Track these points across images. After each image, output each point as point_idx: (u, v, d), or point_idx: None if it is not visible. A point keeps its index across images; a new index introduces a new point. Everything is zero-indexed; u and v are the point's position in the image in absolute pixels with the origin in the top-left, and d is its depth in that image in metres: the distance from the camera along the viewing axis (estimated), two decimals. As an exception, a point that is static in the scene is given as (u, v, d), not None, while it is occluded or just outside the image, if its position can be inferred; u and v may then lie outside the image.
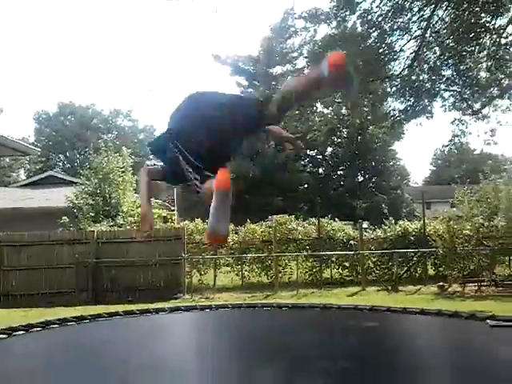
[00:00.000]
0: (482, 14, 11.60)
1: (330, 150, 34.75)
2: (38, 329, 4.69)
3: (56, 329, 4.79)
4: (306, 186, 32.31)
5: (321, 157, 35.01)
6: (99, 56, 76.08)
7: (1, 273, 12.00)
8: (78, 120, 44.35)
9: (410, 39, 12.81)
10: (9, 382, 2.82)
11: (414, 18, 12.41)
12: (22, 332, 4.59)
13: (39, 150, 29.33)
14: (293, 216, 14.62)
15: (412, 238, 13.40)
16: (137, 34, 77.41)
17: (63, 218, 14.60)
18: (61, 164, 44.54)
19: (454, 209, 15.57)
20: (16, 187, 22.87)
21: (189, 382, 2.62)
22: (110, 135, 45.14)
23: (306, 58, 15.13)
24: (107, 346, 3.82)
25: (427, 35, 12.54)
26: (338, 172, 34.65)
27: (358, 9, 12.33)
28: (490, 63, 12.43)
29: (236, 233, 13.27)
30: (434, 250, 12.52)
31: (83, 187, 16.44)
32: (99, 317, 5.43)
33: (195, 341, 3.88)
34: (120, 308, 6.76)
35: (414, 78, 13.20)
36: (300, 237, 13.57)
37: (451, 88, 13.62)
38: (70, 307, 9.80)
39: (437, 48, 12.84)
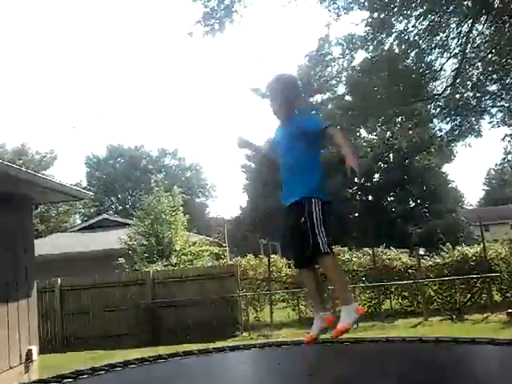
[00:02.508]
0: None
1: (376, 176, 34.24)
2: (102, 372, 4.73)
3: (119, 371, 4.80)
4: (356, 214, 31.82)
5: (369, 184, 34.51)
6: (144, 97, 78.88)
7: (63, 317, 12.29)
8: (127, 162, 45.74)
9: (450, 57, 12.56)
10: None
11: (453, 35, 12.18)
12: (86, 376, 4.62)
13: (92, 193, 30.34)
14: (345, 247, 14.34)
15: (472, 264, 12.79)
16: (177, 73, 79.93)
17: (119, 259, 14.90)
18: (113, 206, 45.84)
19: (515, 230, 14.87)
20: (73, 232, 23.62)
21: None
22: (159, 175, 46.26)
23: (344, 84, 15.09)
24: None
25: (467, 51, 12.25)
26: (389, 199, 33.98)
27: (393, 30, 12.25)
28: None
29: (289, 267, 13.10)
30: (497, 274, 11.91)
31: (136, 228, 16.78)
32: (160, 358, 5.41)
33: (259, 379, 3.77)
34: (179, 348, 6.74)
35: (457, 96, 12.89)
36: (355, 267, 13.25)
37: (498, 103, 13.20)
38: (130, 349, 9.85)
39: (479, 63, 12.51)
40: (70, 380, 4.57)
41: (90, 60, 73.05)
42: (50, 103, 74.75)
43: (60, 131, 76.71)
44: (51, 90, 75.44)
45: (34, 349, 7.21)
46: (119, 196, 46.53)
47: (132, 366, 5.11)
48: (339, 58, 14.04)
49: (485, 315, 11.18)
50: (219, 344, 7.87)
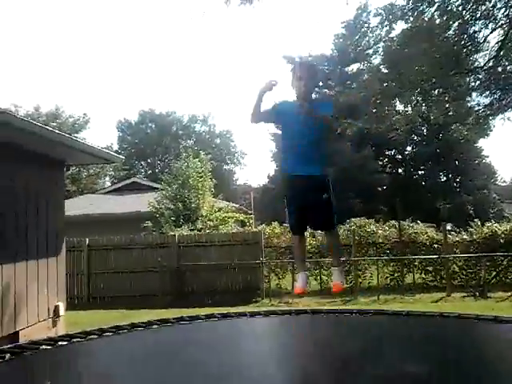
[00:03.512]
0: None
1: (409, 149, 33.61)
2: (125, 330, 4.89)
3: (142, 331, 4.96)
4: (385, 187, 31.45)
5: (400, 156, 33.95)
6: (176, 62, 78.62)
7: (90, 275, 12.69)
8: (159, 127, 46.00)
9: (495, 28, 12.06)
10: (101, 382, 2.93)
11: (499, 5, 11.66)
12: (110, 333, 4.79)
13: (123, 157, 30.75)
14: (372, 219, 14.25)
15: (501, 241, 12.60)
16: (211, 39, 79.19)
17: (146, 222, 15.17)
18: (143, 170, 46.38)
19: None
20: (103, 194, 24.07)
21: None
22: (188, 141, 46.44)
23: (382, 55, 14.67)
24: (189, 347, 3.88)
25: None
26: (419, 172, 33.40)
27: (435, 0, 11.81)
28: None
29: (313, 236, 13.09)
30: (526, 253, 11.71)
31: (164, 192, 17.01)
32: (181, 320, 5.55)
33: (276, 345, 3.84)
34: (201, 311, 6.90)
35: (500, 69, 12.44)
36: (380, 240, 13.20)
37: (543, 78, 12.70)
38: (154, 309, 10.12)
39: (526, 34, 11.98)
40: (95, 336, 4.74)
41: (122, 23, 72.91)
42: (84, 68, 75.27)
43: (94, 95, 77.36)
44: (85, 55, 75.88)
45: (61, 305, 7.50)
46: (149, 160, 47.00)
47: (154, 326, 5.26)
48: (377, 28, 13.64)
49: (509, 293, 11.06)
50: (240, 309, 8.04)
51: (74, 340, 4.61)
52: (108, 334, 4.82)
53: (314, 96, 3.18)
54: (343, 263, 2.99)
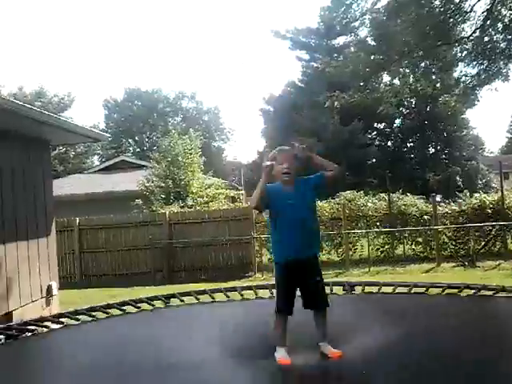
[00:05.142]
0: None
1: (398, 121, 33.60)
2: (116, 308, 4.90)
3: (133, 308, 4.97)
4: (374, 160, 31.52)
5: (389, 129, 33.95)
6: (161, 39, 77.46)
7: (81, 255, 12.68)
8: (145, 105, 45.50)
9: (482, -3, 11.97)
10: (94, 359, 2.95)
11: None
12: (102, 311, 4.80)
13: (109, 135, 30.50)
14: (362, 192, 14.30)
15: (489, 211, 12.72)
16: (196, 13, 78.01)
17: (136, 200, 15.11)
18: (131, 148, 46.03)
19: (536, 178, 14.59)
20: (91, 173, 23.90)
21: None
22: (176, 118, 46.05)
23: (368, 27, 14.52)
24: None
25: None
26: (408, 144, 33.49)
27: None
28: None
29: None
30: (514, 222, 11.84)
31: (153, 170, 16.91)
32: (173, 297, 5.57)
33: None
34: (193, 287, 6.93)
35: (486, 39, 12.38)
36: (370, 213, 13.27)
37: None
38: (146, 286, 10.16)
39: (513, 3, 11.90)
40: (87, 314, 4.75)
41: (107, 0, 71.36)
42: (69, 46, 73.94)
43: (78, 74, 76.18)
44: (69, 33, 74.43)
45: (54, 284, 7.50)
46: (137, 138, 46.59)
47: (145, 303, 5.27)
48: (363, 0, 13.47)
49: (497, 262, 11.22)
50: (232, 284, 8.09)
51: (66, 319, 4.61)
52: (100, 311, 4.83)
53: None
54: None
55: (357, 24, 17.53)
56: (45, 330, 4.15)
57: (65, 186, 18.33)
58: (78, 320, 4.55)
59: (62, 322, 4.55)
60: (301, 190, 3.07)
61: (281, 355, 2.88)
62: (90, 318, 4.61)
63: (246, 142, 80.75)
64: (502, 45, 12.38)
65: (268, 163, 3.04)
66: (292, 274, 3.01)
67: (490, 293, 4.90)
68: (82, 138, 8.31)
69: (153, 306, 4.79)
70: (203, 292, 5.75)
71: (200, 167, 17.38)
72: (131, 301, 5.29)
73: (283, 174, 3.06)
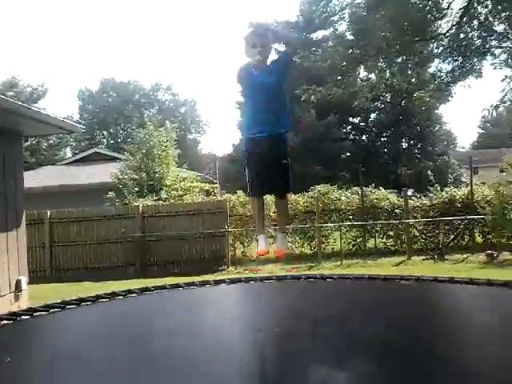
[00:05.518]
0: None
1: (373, 116, 33.94)
2: (89, 303, 4.88)
3: (106, 302, 4.96)
4: (348, 154, 31.80)
5: (364, 124, 34.28)
6: (137, 30, 76.44)
7: (52, 248, 12.50)
8: (120, 96, 44.93)
9: (459, -6, 12.16)
10: (63, 354, 2.94)
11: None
12: (73, 306, 4.77)
13: (83, 127, 30.03)
14: (335, 185, 14.43)
15: (459, 205, 13.00)
16: (172, 5, 77.16)
17: (109, 193, 14.95)
18: (105, 140, 45.43)
19: (504, 173, 14.95)
20: (63, 165, 23.52)
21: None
22: (151, 110, 45.60)
23: (347, 22, 14.62)
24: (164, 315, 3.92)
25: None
26: (382, 139, 33.89)
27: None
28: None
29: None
30: (482, 217, 12.13)
31: (127, 162, 16.74)
32: (146, 290, 5.57)
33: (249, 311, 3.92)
34: (166, 281, 6.93)
35: (462, 36, 12.59)
36: (343, 207, 13.41)
37: (503, 44, 12.92)
38: (118, 280, 10.09)
39: (488, 1, 12.10)
40: (58, 309, 4.72)
41: (79, -14, 69.97)
42: (42, 36, 72.34)
43: (52, 64, 74.63)
44: (45, 22, 72.79)
45: (23, 279, 7.38)
46: (111, 130, 46.01)
47: (119, 297, 5.26)
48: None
49: (465, 256, 11.50)
50: (205, 278, 8.11)
51: (37, 314, 4.58)
52: (71, 306, 4.80)
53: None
54: (288, 229, 3.13)
55: (336, 18, 17.63)
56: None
57: (36, 178, 18.01)
58: (48, 312, 4.52)
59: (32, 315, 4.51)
60: (271, 69, 3.15)
61: (260, 247, 3.07)
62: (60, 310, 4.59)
63: (221, 134, 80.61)
64: (476, 42, 12.61)
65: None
66: (259, 152, 3.05)
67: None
68: (54, 129, 8.18)
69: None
70: (177, 285, 5.78)
71: (175, 160, 17.26)
72: (105, 294, 5.28)
73: (257, 56, 3.12)
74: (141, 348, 2.99)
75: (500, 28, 12.61)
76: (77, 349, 3.17)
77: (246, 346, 2.79)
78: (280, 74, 3.16)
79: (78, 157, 24.57)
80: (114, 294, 5.32)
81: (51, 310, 4.64)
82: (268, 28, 3.24)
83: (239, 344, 2.85)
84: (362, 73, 17.59)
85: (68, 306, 4.77)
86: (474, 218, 12.32)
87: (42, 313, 4.57)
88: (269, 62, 3.21)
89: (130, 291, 5.42)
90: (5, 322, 4.23)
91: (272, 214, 9.91)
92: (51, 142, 38.70)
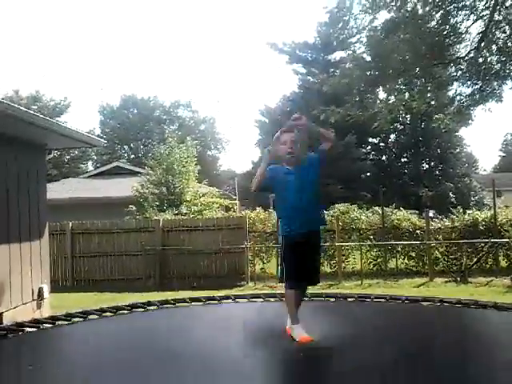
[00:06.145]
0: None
1: (392, 136, 33.82)
2: (110, 314, 4.88)
3: (126, 314, 4.96)
4: (368, 174, 31.65)
5: (383, 144, 34.15)
6: (158, 48, 77.74)
7: (73, 259, 12.59)
8: (141, 112, 45.53)
9: (477, 19, 12.14)
10: (84, 363, 2.93)
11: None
12: (95, 316, 4.78)
13: (105, 141, 30.43)
14: (355, 205, 14.33)
15: (482, 228, 12.78)
16: (194, 24, 78.44)
17: (130, 206, 15.06)
18: (126, 155, 45.94)
19: (528, 197, 14.69)
20: (85, 178, 23.82)
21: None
22: (172, 126, 46.08)
23: (365, 44, 14.64)
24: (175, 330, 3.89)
25: (495, 13, 11.82)
26: (402, 160, 33.69)
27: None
28: None
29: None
30: (506, 240, 11.90)
31: (148, 177, 16.89)
32: (166, 303, 5.57)
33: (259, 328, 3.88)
34: (186, 294, 6.91)
35: (481, 60, 12.54)
36: (364, 226, 13.30)
37: (523, 68, 12.83)
38: (137, 293, 10.09)
39: (507, 27, 12.08)
40: (80, 318, 4.73)
41: (107, 4, 71.65)
42: (66, 51, 74.02)
43: (75, 79, 76.26)
44: (67, 37, 74.55)
45: (46, 287, 7.45)
46: (132, 145, 46.55)
47: (139, 309, 5.26)
48: (360, 17, 13.58)
49: (489, 279, 11.27)
50: (224, 292, 8.06)
51: (59, 322, 4.59)
52: (93, 315, 4.81)
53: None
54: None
55: (354, 40, 17.69)
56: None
57: (59, 190, 18.26)
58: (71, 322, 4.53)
59: (55, 323, 4.53)
60: (305, 168, 3.27)
61: (300, 333, 3.03)
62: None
63: (240, 151, 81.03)
64: (496, 66, 12.54)
65: (269, 148, 3.21)
66: (297, 247, 3.16)
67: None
68: (77, 142, 8.30)
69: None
70: (197, 299, 5.76)
71: (195, 175, 17.38)
72: (124, 305, 5.29)
73: (288, 154, 3.24)
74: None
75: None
76: (95, 357, 3.16)
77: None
78: (315, 170, 3.30)
79: (99, 170, 24.89)
80: (133, 306, 5.34)
81: (73, 319, 4.68)
82: (294, 125, 3.31)
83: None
84: (381, 95, 17.56)
85: (89, 316, 4.80)
86: (497, 241, 12.10)
87: (64, 322, 4.60)
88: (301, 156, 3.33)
89: (149, 303, 5.43)
90: (28, 329, 4.26)
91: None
92: (73, 155, 39.29)
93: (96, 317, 4.71)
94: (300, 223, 3.18)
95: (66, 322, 4.48)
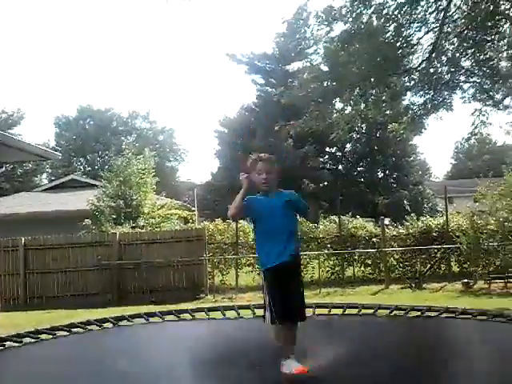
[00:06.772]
0: (501, 1, 11.35)
1: (348, 146, 34.45)
2: (65, 333, 4.76)
3: (80, 332, 4.84)
4: (326, 183, 32.09)
5: (340, 153, 34.74)
6: (114, 58, 76.78)
7: (26, 276, 12.19)
8: (97, 123, 44.78)
9: (428, 31, 12.60)
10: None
11: (431, 9, 12.22)
12: (46, 334, 4.64)
13: (60, 154, 29.72)
14: (312, 214, 14.47)
15: (435, 234, 13.17)
16: (151, 35, 77.94)
17: (85, 220, 14.74)
18: (82, 168, 45.00)
19: (477, 203, 15.24)
20: (39, 191, 23.18)
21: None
22: (129, 137, 45.49)
23: (322, 55, 14.93)
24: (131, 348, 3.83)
25: (445, 26, 12.32)
26: (358, 168, 34.36)
27: (372, 3, 12.19)
28: (510, 52, 12.16)
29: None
30: (457, 246, 12.29)
31: (104, 190, 16.58)
32: (123, 319, 5.47)
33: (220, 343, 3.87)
34: (143, 309, 6.81)
35: (432, 70, 13.01)
36: (321, 235, 13.46)
37: (471, 79, 13.38)
38: (93, 309, 9.87)
39: (455, 39, 12.61)
40: (31, 338, 4.59)
41: (60, 14, 70.29)
42: (19, 60, 72.09)
43: (29, 90, 74.30)
44: (21, 48, 72.65)
45: (-5, 307, 7.18)
46: (88, 157, 45.64)
47: (93, 325, 5.16)
48: (317, 29, 13.85)
49: (442, 284, 11.60)
50: (183, 306, 7.99)
51: (7, 343, 4.44)
52: (44, 334, 4.67)
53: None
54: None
55: (311, 51, 18.00)
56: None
57: (11, 205, 17.70)
58: (20, 343, 4.38)
59: (4, 345, 4.37)
60: (281, 200, 3.30)
61: (295, 365, 3.00)
62: (34, 341, 4.46)
63: (199, 162, 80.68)
64: (446, 76, 13.01)
65: (245, 175, 3.21)
66: (280, 279, 3.14)
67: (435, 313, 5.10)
68: (30, 156, 8.10)
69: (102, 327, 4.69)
70: (153, 314, 5.69)
71: (153, 187, 17.18)
72: (79, 323, 5.17)
73: (262, 183, 3.28)
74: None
75: (467, 64, 13.09)
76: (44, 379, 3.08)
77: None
78: (292, 204, 3.32)
79: (54, 183, 24.28)
80: (88, 323, 5.22)
81: (23, 340, 4.52)
82: (271, 158, 3.39)
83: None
84: (338, 105, 17.91)
85: (40, 335, 4.66)
86: (450, 247, 12.48)
87: (13, 343, 4.45)
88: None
89: (105, 320, 5.32)
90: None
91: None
92: (27, 168, 38.19)
93: (49, 337, 4.59)
94: (277, 254, 3.18)
95: (16, 344, 4.34)
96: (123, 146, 18.65)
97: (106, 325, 5.07)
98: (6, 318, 7.67)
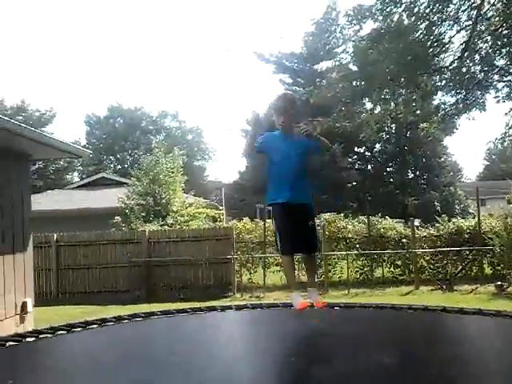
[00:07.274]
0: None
1: (378, 146, 34.07)
2: (95, 326, 4.82)
3: (111, 326, 4.90)
4: (354, 183, 31.82)
5: (369, 154, 34.39)
6: (145, 58, 77.74)
7: (58, 272, 12.45)
8: (127, 122, 45.39)
9: (460, 30, 12.37)
10: (68, 377, 2.88)
11: (463, 7, 11.97)
12: (80, 329, 4.72)
13: (91, 152, 30.33)
14: (342, 214, 14.40)
15: (466, 236, 12.91)
16: (182, 35, 78.62)
17: (116, 218, 14.95)
18: (112, 165, 45.69)
19: (511, 205, 14.88)
20: (70, 189, 23.62)
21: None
22: (158, 136, 45.99)
23: (351, 54, 14.79)
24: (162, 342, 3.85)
25: (478, 24, 12.04)
26: (388, 169, 33.94)
27: (403, 1, 12.02)
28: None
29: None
30: (490, 248, 12.01)
31: (134, 188, 16.79)
32: (153, 315, 5.52)
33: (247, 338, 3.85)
34: (171, 306, 6.86)
35: (464, 70, 12.75)
36: (350, 235, 13.34)
37: (505, 78, 13.07)
38: (123, 305, 10.01)
39: (489, 37, 12.32)
40: (64, 332, 4.67)
41: (91, 16, 71.63)
42: (52, 60, 73.72)
43: (60, 89, 75.88)
44: (53, 47, 74.29)
45: (29, 301, 7.34)
46: (118, 156, 46.33)
47: (124, 321, 5.21)
48: (346, 27, 13.73)
49: (474, 287, 11.36)
50: (211, 303, 8.02)
51: (42, 336, 4.52)
52: (77, 329, 4.75)
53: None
54: (316, 284, 3.29)
55: (339, 50, 17.86)
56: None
57: (43, 202, 18.08)
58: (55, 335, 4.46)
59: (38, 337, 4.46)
60: (297, 146, 3.23)
61: (297, 300, 3.12)
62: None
63: (227, 161, 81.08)
64: (479, 76, 12.75)
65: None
66: (286, 215, 3.17)
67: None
68: (62, 153, 8.23)
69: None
70: (184, 311, 5.72)
71: (181, 186, 17.32)
72: (111, 318, 5.23)
73: (280, 125, 3.26)
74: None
75: (501, 63, 12.77)
76: (81, 372, 3.12)
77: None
78: (306, 144, 3.24)
79: (85, 181, 24.71)
80: (119, 318, 5.27)
81: (56, 333, 4.60)
82: (292, 97, 3.39)
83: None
84: (367, 105, 17.76)
85: (73, 329, 4.73)
86: (482, 249, 12.21)
87: (48, 335, 4.53)
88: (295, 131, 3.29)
89: (135, 315, 5.38)
90: (10, 343, 4.18)
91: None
92: (59, 166, 39.00)
93: (80, 330, 4.65)
94: (284, 193, 3.17)
95: (50, 336, 4.41)
96: (153, 145, 18.87)
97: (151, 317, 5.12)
98: (39, 313, 7.84)
